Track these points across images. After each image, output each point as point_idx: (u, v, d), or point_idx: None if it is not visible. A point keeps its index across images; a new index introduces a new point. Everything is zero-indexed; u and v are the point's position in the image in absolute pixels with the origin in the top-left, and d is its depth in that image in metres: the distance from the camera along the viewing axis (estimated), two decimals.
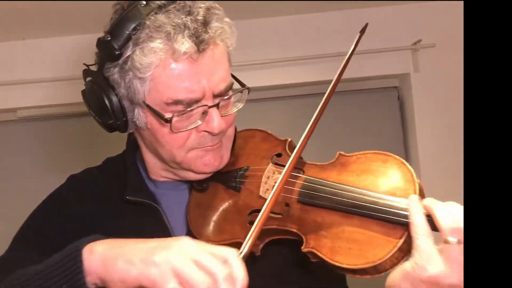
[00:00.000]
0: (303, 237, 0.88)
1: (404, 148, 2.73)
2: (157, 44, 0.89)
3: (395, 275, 0.81)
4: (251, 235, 0.83)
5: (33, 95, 2.52)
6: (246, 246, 0.81)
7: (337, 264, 0.84)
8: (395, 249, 0.81)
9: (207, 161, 0.99)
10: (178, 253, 0.75)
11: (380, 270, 0.83)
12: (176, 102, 0.92)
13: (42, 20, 2.33)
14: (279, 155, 1.01)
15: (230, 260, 0.75)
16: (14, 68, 2.50)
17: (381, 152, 0.91)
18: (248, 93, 1.01)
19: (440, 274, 0.75)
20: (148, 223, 1.03)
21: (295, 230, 0.90)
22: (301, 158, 0.99)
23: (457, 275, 0.75)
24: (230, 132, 1.03)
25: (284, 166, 0.93)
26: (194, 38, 0.89)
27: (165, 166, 1.05)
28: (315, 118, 0.94)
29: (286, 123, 2.86)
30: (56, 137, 2.62)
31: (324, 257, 0.85)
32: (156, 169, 1.07)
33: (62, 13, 2.25)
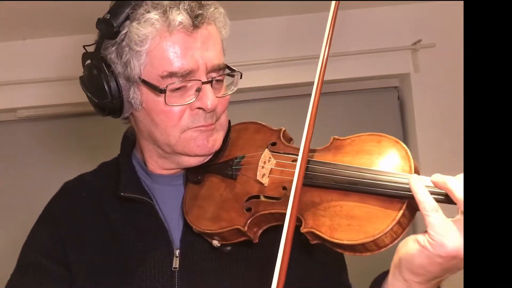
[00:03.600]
0: (301, 218, 0.88)
1: None
2: (154, 15, 0.93)
3: (408, 249, 0.80)
4: (290, 213, 0.81)
5: (33, 95, 2.52)
6: (286, 225, 0.80)
7: (336, 241, 0.83)
8: (394, 222, 0.81)
9: (200, 142, 1.00)
10: None
11: (380, 245, 0.83)
12: (171, 75, 0.94)
13: (42, 20, 2.33)
14: (273, 144, 1.02)
15: None
16: (14, 68, 2.50)
17: (374, 133, 0.92)
18: (241, 77, 1.04)
19: (460, 247, 0.74)
20: (143, 218, 1.05)
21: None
22: (292, 144, 1.02)
23: None
24: (223, 120, 1.05)
25: (279, 153, 0.97)
26: (189, 12, 0.94)
27: (160, 152, 1.05)
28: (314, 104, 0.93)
29: (286, 123, 2.86)
30: (56, 137, 2.62)
31: (323, 235, 0.84)
32: (152, 157, 1.08)
33: (63, 13, 2.25)
